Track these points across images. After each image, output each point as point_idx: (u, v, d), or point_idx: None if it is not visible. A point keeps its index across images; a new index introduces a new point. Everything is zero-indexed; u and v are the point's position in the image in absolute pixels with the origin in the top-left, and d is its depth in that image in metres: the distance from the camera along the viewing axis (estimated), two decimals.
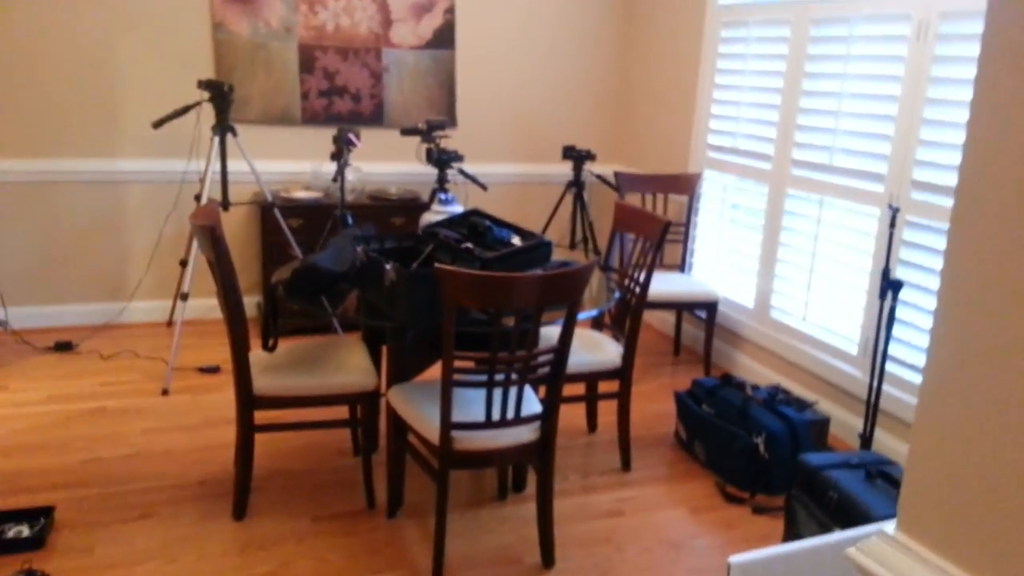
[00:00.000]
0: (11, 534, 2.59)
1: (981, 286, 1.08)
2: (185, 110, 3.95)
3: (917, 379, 3.23)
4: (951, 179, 3.07)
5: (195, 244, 3.93)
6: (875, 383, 3.37)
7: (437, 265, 2.21)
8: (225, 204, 4.08)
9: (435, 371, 3.62)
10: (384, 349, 3.34)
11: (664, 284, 4.15)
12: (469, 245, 2.81)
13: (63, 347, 4.21)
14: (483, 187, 4.10)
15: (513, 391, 2.52)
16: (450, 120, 5.00)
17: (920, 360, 3.22)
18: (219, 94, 3.96)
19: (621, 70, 5.35)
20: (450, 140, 5.05)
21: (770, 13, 3.99)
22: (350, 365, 2.84)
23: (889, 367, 3.32)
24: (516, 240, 2.86)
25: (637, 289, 3.18)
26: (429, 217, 3.30)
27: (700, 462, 3.37)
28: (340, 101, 4.74)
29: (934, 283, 3.14)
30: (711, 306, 4.15)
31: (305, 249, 4.40)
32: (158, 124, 3.91)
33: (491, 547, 2.73)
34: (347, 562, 2.61)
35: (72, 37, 4.24)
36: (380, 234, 3.00)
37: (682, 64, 4.73)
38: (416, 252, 2.93)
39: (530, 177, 5.28)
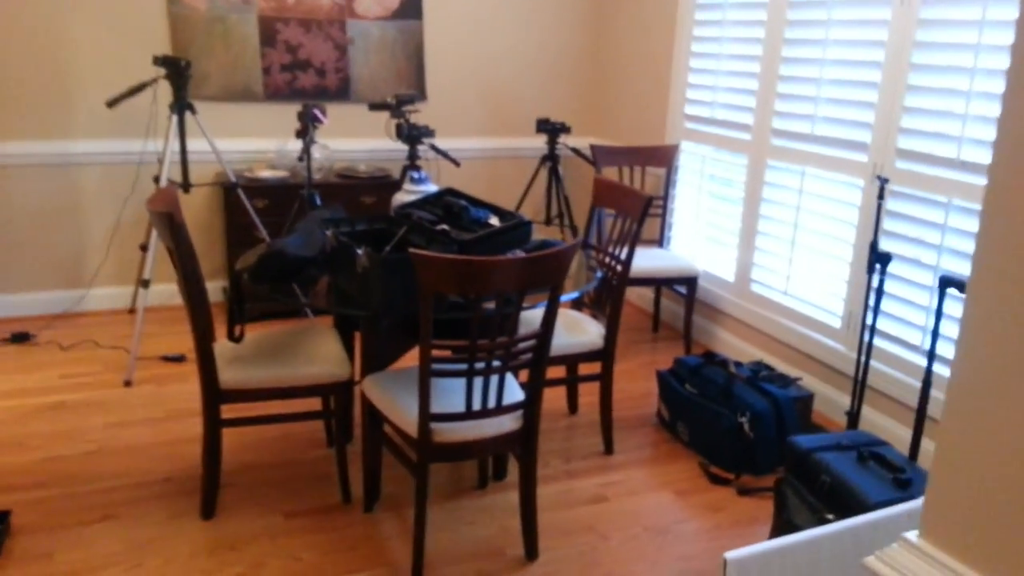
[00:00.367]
0: None
1: (1016, 289, 0.99)
2: (140, 88, 3.76)
3: (904, 354, 3.16)
4: (937, 147, 2.99)
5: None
6: (863, 358, 3.30)
7: (412, 250, 2.09)
8: (186, 186, 3.91)
9: (411, 358, 3.51)
10: (357, 336, 3.21)
11: (643, 259, 4.05)
12: (445, 227, 2.68)
13: (20, 338, 4.03)
14: (455, 163, 3.96)
15: (494, 379, 2.41)
16: (419, 94, 4.84)
17: (906, 334, 3.15)
18: (176, 70, 3.78)
19: (596, 38, 5.21)
20: (420, 115, 4.89)
21: None
22: (322, 354, 2.71)
23: (875, 342, 3.26)
24: (494, 220, 2.74)
25: (618, 267, 3.08)
26: (401, 197, 3.15)
27: (683, 442, 3.30)
28: (304, 76, 4.56)
29: (919, 254, 3.07)
30: (691, 281, 4.06)
31: (272, 230, 4.24)
32: (112, 103, 3.73)
33: (472, 540, 2.63)
34: (322, 560, 2.50)
35: (19, 13, 4.02)
36: (350, 216, 2.86)
37: (657, 31, 4.59)
38: (389, 235, 2.79)
39: (503, 151, 5.14)
